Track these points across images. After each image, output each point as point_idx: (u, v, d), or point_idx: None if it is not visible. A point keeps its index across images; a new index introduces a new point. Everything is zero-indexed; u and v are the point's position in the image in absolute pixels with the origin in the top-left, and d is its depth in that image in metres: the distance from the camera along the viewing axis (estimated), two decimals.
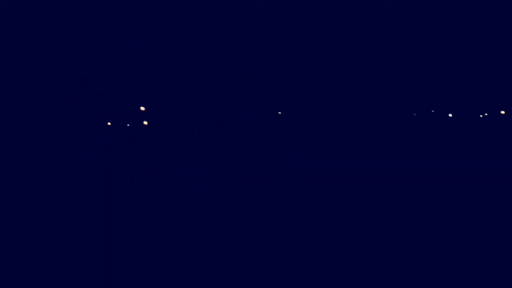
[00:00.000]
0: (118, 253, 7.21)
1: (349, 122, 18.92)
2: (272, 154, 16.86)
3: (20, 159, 14.59)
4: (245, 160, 16.27)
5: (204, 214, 9.56)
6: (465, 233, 7.73)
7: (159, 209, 10.08)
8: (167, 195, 11.46)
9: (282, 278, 6.08)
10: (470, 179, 12.50)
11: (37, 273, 6.37)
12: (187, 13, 16.92)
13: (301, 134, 18.04)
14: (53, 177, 13.47)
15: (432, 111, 18.87)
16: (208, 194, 11.46)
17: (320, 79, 18.58)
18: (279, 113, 18.33)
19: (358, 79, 18.66)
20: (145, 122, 16.52)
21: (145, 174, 14.03)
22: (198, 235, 8.09)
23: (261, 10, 17.26)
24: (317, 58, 18.24)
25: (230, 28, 17.26)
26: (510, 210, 9.09)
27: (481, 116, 18.42)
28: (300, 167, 15.26)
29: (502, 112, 18.16)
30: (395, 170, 14.14)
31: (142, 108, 16.33)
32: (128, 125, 16.95)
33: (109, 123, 16.68)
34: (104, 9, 16.23)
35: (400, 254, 6.78)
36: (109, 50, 16.47)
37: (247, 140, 17.60)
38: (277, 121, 18.46)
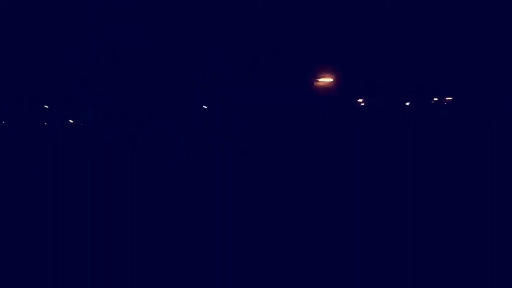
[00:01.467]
0: (118, 254, 7.21)
1: (348, 122, 18.92)
2: (273, 153, 16.87)
3: (20, 159, 14.60)
4: (245, 159, 16.28)
5: (205, 214, 9.57)
6: (458, 233, 7.74)
7: (159, 208, 10.08)
8: (167, 195, 11.47)
9: (284, 277, 6.08)
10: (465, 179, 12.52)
11: (36, 272, 6.37)
12: (187, 13, 16.92)
13: (301, 134, 18.05)
14: (53, 177, 13.47)
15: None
16: (208, 193, 11.47)
17: (320, 79, 18.60)
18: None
19: (357, 78, 18.68)
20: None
21: (145, 174, 14.05)
22: (198, 235, 8.09)
23: (261, 10, 17.27)
24: (317, 58, 18.26)
25: (230, 28, 17.26)
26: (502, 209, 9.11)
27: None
28: (300, 166, 15.28)
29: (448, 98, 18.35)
30: (394, 170, 14.17)
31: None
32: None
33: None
34: (104, 9, 16.24)
35: (399, 254, 6.79)
36: (109, 50, 16.47)
37: (247, 140, 17.61)
38: (277, 120, 18.46)
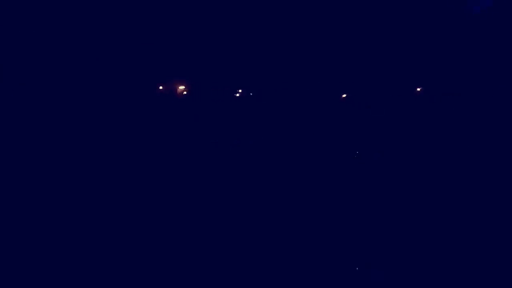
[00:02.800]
0: (118, 253, 7.23)
1: (348, 121, 18.94)
2: (273, 152, 16.88)
3: (20, 158, 14.60)
4: (246, 158, 16.30)
5: (205, 212, 9.57)
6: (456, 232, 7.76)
7: (159, 207, 10.09)
8: (167, 194, 11.47)
9: (284, 276, 6.09)
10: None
11: (37, 272, 6.38)
12: (187, 13, 16.93)
13: (302, 133, 18.07)
14: (53, 177, 13.48)
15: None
16: (208, 192, 11.47)
17: (319, 79, 18.61)
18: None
19: (357, 78, 18.69)
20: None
21: (146, 174, 14.05)
22: (198, 234, 8.10)
23: (261, 10, 17.27)
24: (317, 58, 18.26)
25: (229, 28, 17.27)
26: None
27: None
28: (301, 165, 15.28)
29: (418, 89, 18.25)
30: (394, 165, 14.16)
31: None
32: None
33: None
34: (104, 9, 16.25)
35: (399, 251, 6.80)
36: (108, 50, 16.48)
37: (247, 138, 17.63)
38: (278, 119, 18.48)
